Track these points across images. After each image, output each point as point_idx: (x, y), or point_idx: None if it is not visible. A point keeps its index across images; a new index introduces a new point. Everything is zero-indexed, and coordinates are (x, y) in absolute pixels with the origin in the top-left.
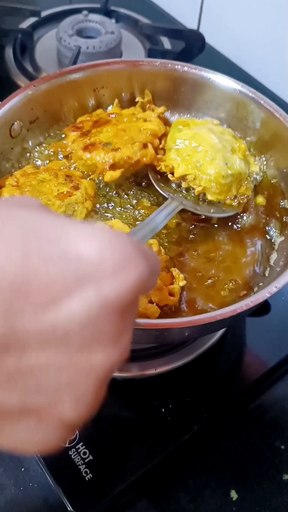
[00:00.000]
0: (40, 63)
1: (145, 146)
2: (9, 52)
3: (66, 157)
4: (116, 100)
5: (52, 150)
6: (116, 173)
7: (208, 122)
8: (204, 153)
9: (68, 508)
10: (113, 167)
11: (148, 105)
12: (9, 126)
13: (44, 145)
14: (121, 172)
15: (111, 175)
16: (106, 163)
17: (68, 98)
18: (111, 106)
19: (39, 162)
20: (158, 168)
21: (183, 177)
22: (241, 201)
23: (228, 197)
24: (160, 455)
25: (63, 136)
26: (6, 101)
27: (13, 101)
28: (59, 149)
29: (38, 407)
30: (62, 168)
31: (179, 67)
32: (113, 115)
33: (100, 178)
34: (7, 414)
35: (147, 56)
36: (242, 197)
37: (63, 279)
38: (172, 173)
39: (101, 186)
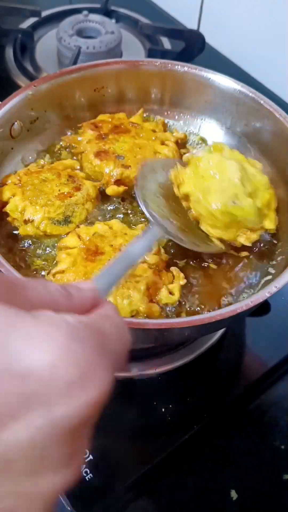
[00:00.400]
0: (40, 63)
1: None
2: (9, 52)
3: (76, 154)
4: (141, 110)
5: (63, 143)
6: (119, 189)
7: (250, 162)
8: (218, 182)
9: (68, 508)
10: (118, 182)
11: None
12: (9, 126)
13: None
14: (124, 189)
15: (114, 190)
16: (113, 177)
17: (68, 98)
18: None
19: (42, 162)
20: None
21: (186, 197)
22: (232, 244)
23: (221, 237)
24: (160, 455)
25: (69, 133)
26: (6, 101)
27: (13, 101)
28: (72, 144)
29: None
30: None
31: (179, 67)
32: (135, 125)
33: (103, 188)
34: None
35: (147, 56)
36: (236, 242)
37: (4, 401)
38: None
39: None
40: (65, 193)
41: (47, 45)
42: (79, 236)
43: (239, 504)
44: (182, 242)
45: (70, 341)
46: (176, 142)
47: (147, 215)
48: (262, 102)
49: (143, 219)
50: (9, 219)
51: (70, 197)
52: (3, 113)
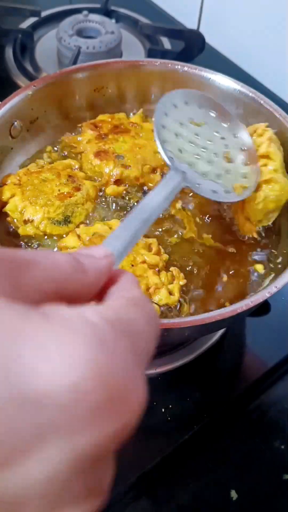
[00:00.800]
0: (40, 63)
1: (154, 170)
2: (9, 52)
3: (76, 154)
4: (141, 110)
5: (62, 144)
6: (119, 189)
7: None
8: None
9: None
10: (118, 182)
11: None
12: (9, 126)
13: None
14: (124, 189)
15: (114, 190)
16: (112, 177)
17: (68, 98)
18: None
19: (41, 162)
20: None
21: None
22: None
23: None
24: (160, 455)
25: (68, 133)
26: (6, 101)
27: (13, 101)
28: (72, 144)
29: None
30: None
31: (179, 67)
32: (135, 125)
33: (103, 188)
34: None
35: (147, 56)
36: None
37: (13, 434)
38: None
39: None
40: (65, 193)
41: (47, 45)
42: (78, 236)
43: (239, 504)
44: (198, 189)
45: (95, 352)
46: None
47: (165, 159)
48: (262, 102)
49: None
50: (8, 219)
51: (70, 197)
52: (3, 113)
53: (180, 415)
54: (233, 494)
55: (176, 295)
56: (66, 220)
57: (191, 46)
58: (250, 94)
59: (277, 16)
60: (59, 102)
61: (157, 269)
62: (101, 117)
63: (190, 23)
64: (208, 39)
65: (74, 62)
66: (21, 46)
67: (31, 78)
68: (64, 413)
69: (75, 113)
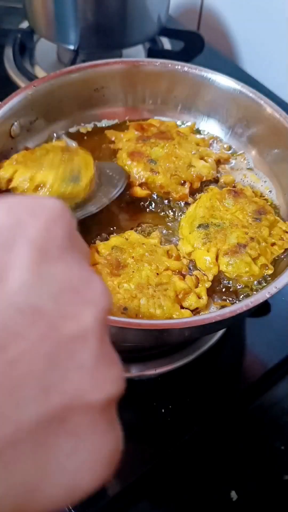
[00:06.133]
0: (40, 63)
1: (183, 183)
2: (9, 52)
3: (114, 151)
4: (194, 122)
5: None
6: (142, 193)
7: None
8: None
9: (68, 509)
10: (142, 185)
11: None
12: (9, 126)
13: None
14: (147, 194)
15: (137, 192)
16: (138, 180)
17: (68, 98)
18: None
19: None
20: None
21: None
22: None
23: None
24: (160, 456)
25: (63, 134)
26: (6, 101)
27: (13, 101)
28: (113, 137)
29: (57, 410)
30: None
31: (179, 67)
32: (181, 134)
33: (127, 192)
34: (30, 442)
35: (147, 56)
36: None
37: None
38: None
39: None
40: (66, 157)
41: (47, 45)
42: (98, 252)
43: (239, 504)
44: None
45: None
46: (218, 161)
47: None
48: (262, 102)
49: (156, 226)
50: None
51: (71, 160)
52: (3, 113)
53: (180, 415)
54: (233, 495)
55: (204, 298)
56: (77, 178)
57: (191, 46)
58: (250, 94)
59: (277, 16)
60: (59, 102)
61: (181, 273)
62: (151, 120)
63: (190, 24)
64: (208, 39)
65: (74, 62)
66: (21, 46)
67: (31, 78)
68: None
69: (75, 113)
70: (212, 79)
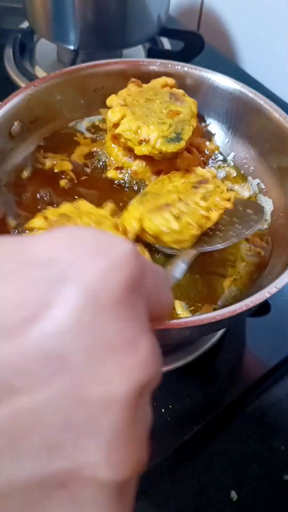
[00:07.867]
0: (40, 63)
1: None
2: (9, 52)
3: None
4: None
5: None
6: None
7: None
8: None
9: None
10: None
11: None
12: (9, 126)
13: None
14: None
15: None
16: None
17: (68, 98)
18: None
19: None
20: None
21: None
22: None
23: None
24: (160, 456)
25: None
26: (6, 101)
27: (13, 101)
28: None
29: (59, 474)
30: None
31: (179, 67)
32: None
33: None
34: (20, 499)
35: (147, 56)
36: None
37: (34, 288)
38: None
39: None
40: (173, 110)
41: (47, 45)
42: (45, 218)
43: (239, 504)
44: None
45: (75, 232)
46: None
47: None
48: (262, 102)
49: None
50: (122, 140)
51: (178, 114)
52: (3, 113)
53: (180, 415)
54: (233, 495)
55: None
56: (178, 137)
57: (191, 47)
58: (250, 94)
59: (277, 16)
60: (59, 103)
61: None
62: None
63: (190, 24)
64: (208, 40)
65: (74, 62)
66: (21, 46)
67: (31, 78)
68: (66, 260)
69: (75, 113)
70: (212, 79)
